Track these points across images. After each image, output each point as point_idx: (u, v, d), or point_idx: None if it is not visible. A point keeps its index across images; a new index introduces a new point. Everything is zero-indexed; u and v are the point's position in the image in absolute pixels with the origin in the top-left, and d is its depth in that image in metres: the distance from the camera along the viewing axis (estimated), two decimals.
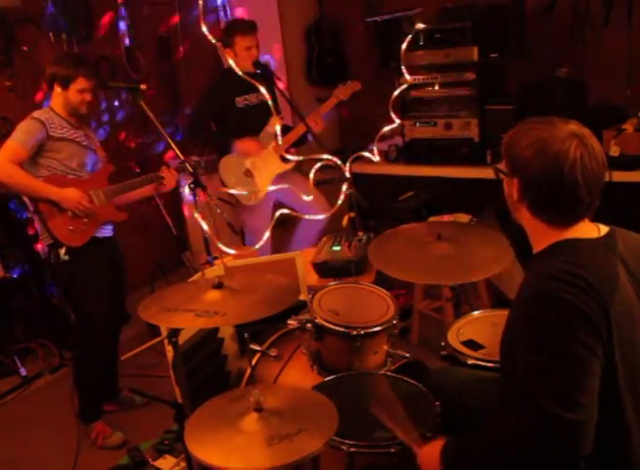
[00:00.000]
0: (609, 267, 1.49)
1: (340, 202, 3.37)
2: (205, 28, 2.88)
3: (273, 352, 2.48)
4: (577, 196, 1.49)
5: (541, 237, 1.59)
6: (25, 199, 3.03)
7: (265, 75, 3.68)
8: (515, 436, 1.42)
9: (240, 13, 5.01)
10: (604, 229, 1.59)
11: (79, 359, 3.19)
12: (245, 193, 3.77)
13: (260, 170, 3.85)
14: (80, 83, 2.97)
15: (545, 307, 1.42)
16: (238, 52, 3.67)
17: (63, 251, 2.92)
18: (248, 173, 3.83)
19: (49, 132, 2.92)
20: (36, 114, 2.95)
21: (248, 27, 3.72)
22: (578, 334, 1.38)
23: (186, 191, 2.89)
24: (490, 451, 1.49)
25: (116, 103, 4.52)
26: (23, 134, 2.88)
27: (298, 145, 3.95)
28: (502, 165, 1.62)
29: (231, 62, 3.35)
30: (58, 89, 2.98)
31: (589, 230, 1.57)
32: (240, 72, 3.14)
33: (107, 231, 3.14)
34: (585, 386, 1.38)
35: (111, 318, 3.18)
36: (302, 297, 2.62)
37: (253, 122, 3.83)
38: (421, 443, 1.73)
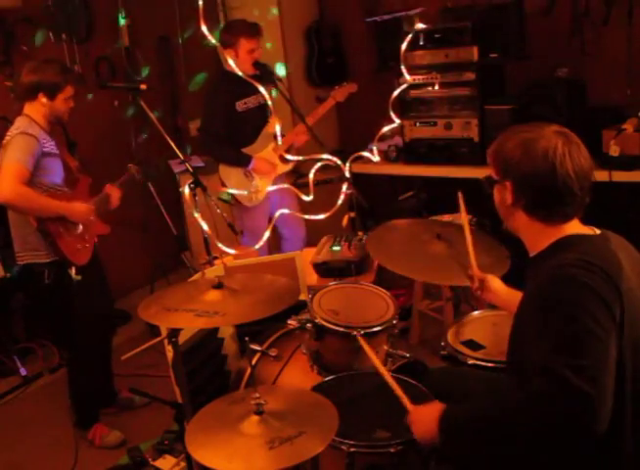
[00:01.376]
0: (614, 259, 1.51)
1: (340, 202, 3.37)
2: (204, 28, 2.88)
3: (273, 352, 2.48)
4: (571, 189, 1.53)
5: (540, 238, 1.61)
6: (15, 221, 2.91)
7: (264, 76, 3.68)
8: (527, 403, 1.42)
9: (240, 14, 5.02)
10: (597, 230, 1.62)
11: (78, 367, 3.16)
12: (245, 192, 3.77)
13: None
14: (68, 92, 2.89)
15: (560, 288, 1.44)
16: (240, 54, 3.59)
17: (74, 271, 2.85)
18: (247, 174, 3.83)
19: (42, 149, 2.82)
20: (25, 127, 2.81)
21: (254, 30, 3.63)
22: (594, 312, 1.39)
23: (186, 191, 2.88)
24: (497, 419, 1.48)
25: (116, 103, 4.52)
26: (24, 154, 2.75)
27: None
28: (491, 173, 1.65)
29: (231, 62, 3.35)
30: (43, 100, 2.85)
31: (585, 229, 1.61)
32: (240, 73, 3.14)
33: None
34: (601, 365, 1.38)
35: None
36: (302, 297, 2.62)
37: (252, 126, 3.81)
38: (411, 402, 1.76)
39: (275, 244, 4.17)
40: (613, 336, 1.41)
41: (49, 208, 2.83)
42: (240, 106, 3.76)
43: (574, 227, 1.59)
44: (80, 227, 2.97)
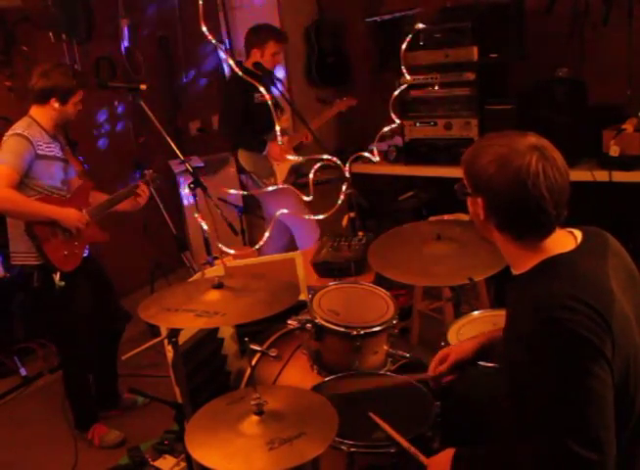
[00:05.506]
0: (603, 281, 1.45)
1: (340, 202, 3.36)
2: (204, 28, 2.88)
3: (273, 353, 2.48)
4: (544, 209, 1.45)
5: (519, 258, 1.54)
6: (12, 221, 2.91)
7: (264, 76, 3.74)
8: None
9: (240, 13, 5.02)
10: (578, 234, 1.56)
11: (68, 370, 3.16)
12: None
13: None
14: (79, 95, 2.90)
15: (554, 341, 1.36)
16: (265, 54, 3.89)
17: (57, 277, 2.81)
18: (265, 159, 4.02)
19: (36, 151, 2.80)
20: (20, 129, 2.81)
21: (283, 37, 4.00)
22: (592, 368, 1.34)
23: (186, 191, 2.88)
24: None
25: (116, 103, 4.52)
26: (14, 156, 2.74)
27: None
28: (466, 184, 1.57)
29: (231, 62, 3.38)
30: (55, 105, 2.85)
31: (565, 241, 1.53)
32: (240, 73, 3.16)
33: (86, 251, 3.06)
34: (604, 421, 1.34)
35: (103, 333, 3.20)
36: (302, 297, 2.62)
37: (267, 119, 3.93)
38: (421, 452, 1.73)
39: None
40: (610, 382, 1.36)
41: (38, 212, 2.80)
42: (257, 97, 3.92)
43: (555, 244, 1.51)
44: (72, 233, 2.91)
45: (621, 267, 1.55)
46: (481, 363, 2.08)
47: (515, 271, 1.58)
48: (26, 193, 2.81)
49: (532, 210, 1.46)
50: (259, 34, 3.95)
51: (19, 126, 2.84)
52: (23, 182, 2.80)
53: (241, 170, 4.10)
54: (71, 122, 3.17)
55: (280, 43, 3.95)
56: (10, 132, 2.82)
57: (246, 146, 4.05)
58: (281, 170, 4.04)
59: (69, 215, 2.88)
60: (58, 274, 2.83)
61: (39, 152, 2.82)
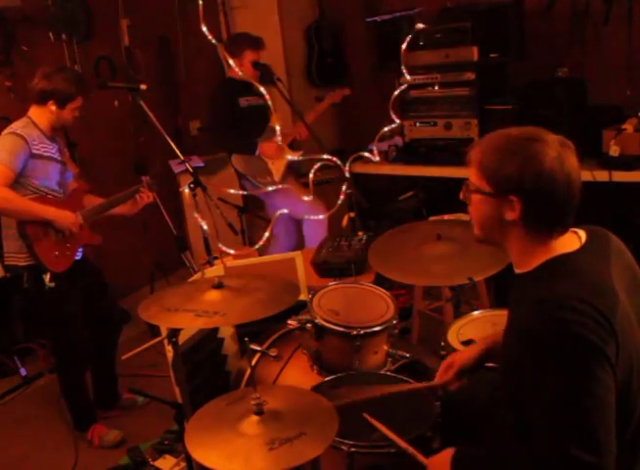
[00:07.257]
0: (606, 282, 1.44)
1: (340, 202, 3.37)
2: (205, 28, 2.88)
3: (273, 352, 2.48)
4: (574, 205, 1.47)
5: (527, 256, 1.52)
6: (5, 222, 2.90)
7: (264, 76, 3.76)
8: None
9: (240, 13, 5.02)
10: (582, 234, 1.56)
11: (61, 371, 3.15)
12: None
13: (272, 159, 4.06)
14: (78, 102, 2.89)
15: (558, 342, 1.34)
16: (244, 63, 3.86)
17: (47, 277, 2.81)
18: (260, 160, 4.01)
19: (31, 150, 2.79)
20: (17, 128, 2.81)
21: (258, 43, 3.94)
22: (595, 371, 1.33)
23: (186, 191, 2.88)
24: None
25: (116, 103, 4.52)
26: (9, 154, 2.73)
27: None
28: (480, 185, 1.52)
29: (231, 62, 3.39)
30: (52, 107, 2.85)
31: (570, 241, 1.53)
32: (240, 73, 3.17)
33: (78, 254, 3.05)
34: (605, 424, 1.33)
35: (99, 334, 3.19)
36: (302, 297, 2.62)
37: (257, 122, 3.96)
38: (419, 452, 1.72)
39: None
40: (612, 386, 1.34)
41: (33, 211, 2.80)
42: (242, 102, 3.95)
43: (561, 241, 1.51)
44: (64, 234, 2.90)
45: (625, 268, 1.55)
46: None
47: (518, 270, 1.57)
48: (21, 192, 2.81)
49: (568, 205, 1.47)
50: (235, 44, 3.95)
51: (15, 126, 2.84)
52: (18, 181, 2.80)
53: (239, 174, 4.10)
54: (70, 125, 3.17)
55: (256, 51, 3.91)
56: (6, 131, 2.83)
57: (236, 150, 4.06)
58: (277, 168, 4.03)
59: (65, 217, 2.87)
60: (48, 275, 2.82)
61: (34, 151, 2.81)
